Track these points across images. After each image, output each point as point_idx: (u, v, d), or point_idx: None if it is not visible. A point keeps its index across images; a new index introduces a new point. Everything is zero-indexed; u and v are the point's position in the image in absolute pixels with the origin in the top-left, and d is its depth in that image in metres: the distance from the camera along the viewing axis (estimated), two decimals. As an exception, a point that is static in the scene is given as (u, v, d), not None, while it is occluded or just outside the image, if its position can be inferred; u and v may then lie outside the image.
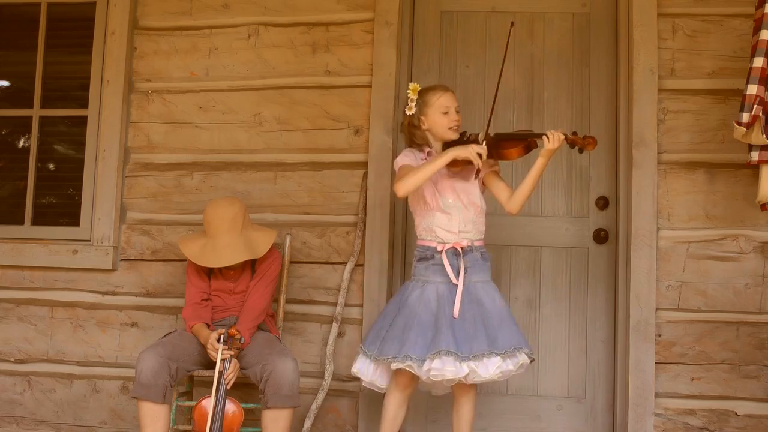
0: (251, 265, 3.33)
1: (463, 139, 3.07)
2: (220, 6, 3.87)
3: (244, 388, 3.31)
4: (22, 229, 3.98)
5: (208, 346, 3.07)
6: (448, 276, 2.99)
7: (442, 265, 3.00)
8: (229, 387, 3.00)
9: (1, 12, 4.19)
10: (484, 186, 3.13)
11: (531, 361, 2.97)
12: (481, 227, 3.10)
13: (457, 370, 2.82)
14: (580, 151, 2.91)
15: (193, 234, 3.53)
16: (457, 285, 2.97)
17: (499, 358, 2.85)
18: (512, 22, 3.10)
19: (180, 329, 3.36)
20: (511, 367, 2.88)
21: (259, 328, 3.30)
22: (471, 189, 3.07)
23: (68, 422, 3.80)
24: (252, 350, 3.14)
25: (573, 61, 3.74)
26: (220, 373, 2.98)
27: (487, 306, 2.97)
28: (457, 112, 3.11)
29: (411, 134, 3.16)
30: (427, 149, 3.13)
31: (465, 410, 3.03)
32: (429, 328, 2.92)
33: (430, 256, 3.04)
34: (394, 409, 3.05)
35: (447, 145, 3.07)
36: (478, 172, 2.98)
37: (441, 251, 3.01)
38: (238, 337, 3.04)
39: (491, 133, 3.01)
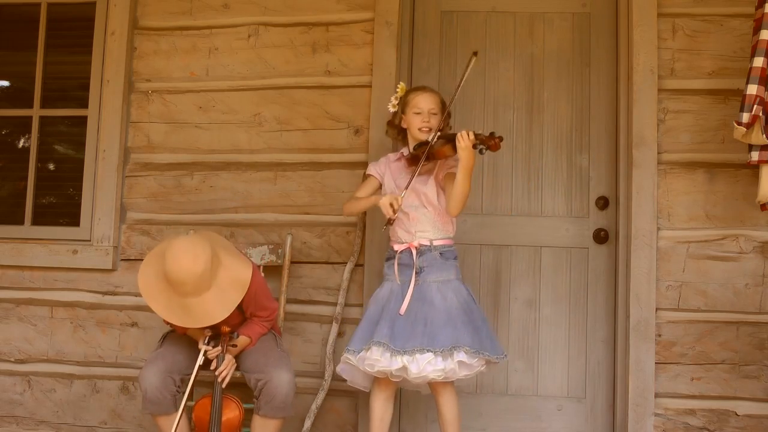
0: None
1: (429, 141, 3.07)
2: (220, 6, 3.86)
3: (244, 388, 3.31)
4: (22, 229, 3.98)
5: (199, 347, 3.03)
6: (405, 275, 3.03)
7: (398, 264, 3.06)
8: (224, 384, 2.98)
9: (1, 12, 4.19)
10: (445, 187, 3.12)
11: (497, 362, 2.96)
12: (442, 226, 3.10)
13: (389, 362, 2.87)
14: (481, 152, 2.91)
15: (152, 274, 2.94)
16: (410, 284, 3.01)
17: (431, 354, 2.85)
18: (475, 53, 3.15)
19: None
20: (450, 365, 2.86)
21: None
22: (428, 189, 3.09)
23: (68, 422, 3.80)
24: (251, 355, 3.11)
25: (573, 61, 3.74)
26: (214, 371, 2.98)
27: (437, 305, 2.97)
28: (434, 114, 3.12)
29: (386, 131, 3.30)
30: (402, 149, 3.22)
31: (444, 410, 3.04)
32: (373, 323, 3.00)
33: (392, 255, 3.12)
34: (379, 409, 3.08)
35: (417, 145, 3.11)
36: (389, 221, 3.02)
37: (397, 251, 3.08)
38: (230, 332, 3.00)
39: (434, 139, 3.05)
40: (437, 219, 3.09)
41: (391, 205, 2.97)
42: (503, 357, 2.99)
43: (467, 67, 3.11)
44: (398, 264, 3.06)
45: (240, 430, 3.05)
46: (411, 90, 3.22)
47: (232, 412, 3.02)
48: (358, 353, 2.97)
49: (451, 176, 3.05)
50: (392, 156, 3.27)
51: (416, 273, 3.03)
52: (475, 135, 2.92)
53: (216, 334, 3.01)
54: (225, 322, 3.03)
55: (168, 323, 3.08)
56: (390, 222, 3.03)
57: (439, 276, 3.03)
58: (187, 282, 2.83)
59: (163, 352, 3.10)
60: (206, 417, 2.98)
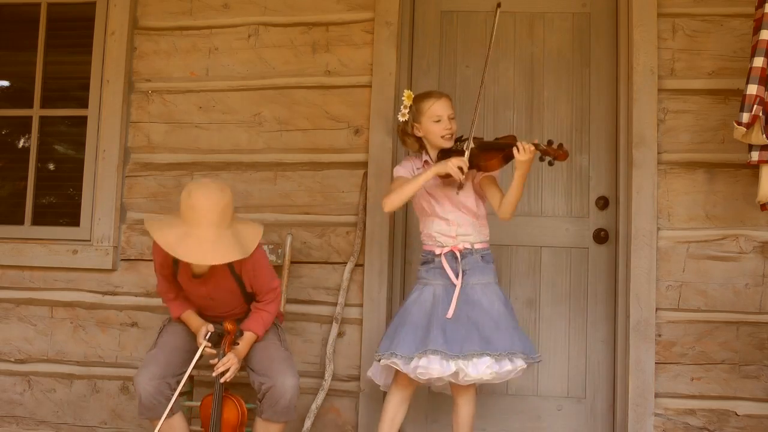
0: (229, 266, 3.02)
1: (456, 146, 3.07)
2: (220, 6, 3.87)
3: (247, 389, 3.30)
4: (22, 229, 3.98)
5: (199, 340, 3.00)
6: (447, 278, 3.01)
7: (442, 267, 3.03)
8: (222, 380, 2.93)
9: (1, 12, 4.19)
10: (483, 190, 3.11)
11: (536, 363, 2.99)
12: (481, 230, 3.10)
13: (443, 368, 2.85)
14: (550, 163, 2.86)
15: (165, 220, 2.99)
16: (455, 286, 2.99)
17: (490, 358, 2.86)
18: (499, 3, 3.08)
19: (172, 321, 3.22)
20: (507, 368, 2.88)
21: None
22: (465, 196, 3.07)
23: (68, 422, 3.81)
24: (256, 355, 3.08)
25: (573, 61, 3.74)
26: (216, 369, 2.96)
27: (485, 307, 2.97)
28: (452, 119, 3.09)
29: (402, 141, 3.21)
30: (424, 157, 3.15)
31: (463, 412, 3.04)
32: (420, 327, 2.95)
33: (430, 259, 3.09)
34: (393, 409, 3.06)
35: (442, 152, 3.09)
36: (460, 186, 3.00)
37: (440, 254, 3.05)
38: (234, 331, 2.98)
39: (473, 140, 3.01)
40: (477, 223, 3.08)
41: (460, 168, 2.91)
42: (540, 358, 3.02)
43: (494, 20, 3.05)
44: (443, 267, 3.03)
45: (242, 426, 3.03)
46: (423, 97, 3.13)
47: (231, 412, 3.00)
48: (411, 360, 2.90)
49: (489, 179, 3.07)
50: (416, 162, 3.17)
51: (456, 276, 3.00)
52: (535, 146, 2.87)
53: (217, 332, 3.00)
54: (229, 306, 3.06)
55: (166, 290, 3.12)
56: (461, 186, 3.00)
57: (480, 279, 3.02)
58: (213, 209, 2.81)
59: (157, 355, 3.05)
60: (207, 416, 2.98)
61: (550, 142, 2.87)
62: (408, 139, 3.17)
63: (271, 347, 3.12)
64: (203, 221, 2.81)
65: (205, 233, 2.82)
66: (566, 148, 2.86)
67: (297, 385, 3.01)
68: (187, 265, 2.98)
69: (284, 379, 2.98)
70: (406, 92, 3.15)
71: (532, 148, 2.86)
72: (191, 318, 3.14)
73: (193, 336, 3.12)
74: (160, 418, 2.95)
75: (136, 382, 2.97)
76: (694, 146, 3.51)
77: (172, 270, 3.10)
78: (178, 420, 3.03)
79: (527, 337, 3.03)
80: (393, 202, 3.01)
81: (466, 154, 2.96)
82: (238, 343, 3.02)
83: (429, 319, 2.96)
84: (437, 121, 3.08)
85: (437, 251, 3.06)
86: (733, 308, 3.43)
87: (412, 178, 3.02)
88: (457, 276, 3.00)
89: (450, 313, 2.94)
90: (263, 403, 3.01)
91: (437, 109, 3.08)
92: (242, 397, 3.06)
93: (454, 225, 3.06)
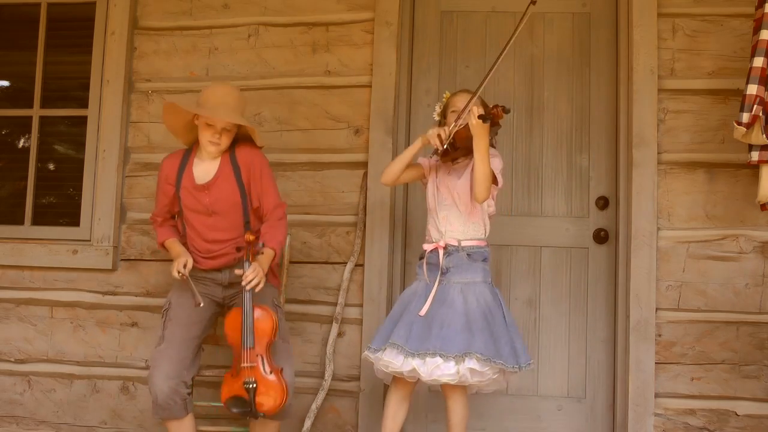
0: (234, 171, 3.13)
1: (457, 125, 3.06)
2: (220, 6, 3.86)
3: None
4: (22, 229, 3.98)
5: (174, 267, 3.02)
6: (432, 275, 3.03)
7: (428, 264, 3.05)
8: (257, 289, 2.93)
9: (1, 12, 4.19)
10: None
11: (512, 371, 2.90)
12: (472, 227, 3.06)
13: (402, 364, 2.87)
14: (492, 123, 2.87)
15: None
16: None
17: (441, 359, 2.83)
18: (533, 1, 3.06)
19: (174, 301, 3.14)
20: (462, 371, 2.82)
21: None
22: (461, 185, 3.06)
23: (68, 422, 3.80)
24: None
25: (573, 61, 3.74)
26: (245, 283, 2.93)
27: (456, 307, 2.94)
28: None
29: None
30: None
31: (452, 413, 3.02)
32: (394, 322, 3.00)
33: (422, 255, 3.11)
34: (392, 407, 3.06)
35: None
36: (443, 152, 2.98)
37: (426, 251, 3.08)
38: (254, 241, 2.98)
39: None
40: (468, 218, 3.05)
41: (439, 135, 2.95)
42: (523, 366, 2.91)
43: (525, 13, 3.06)
44: (427, 263, 3.05)
45: (274, 337, 2.98)
46: (451, 94, 3.20)
47: (265, 321, 2.97)
48: (377, 352, 2.96)
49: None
50: (434, 159, 3.19)
51: (442, 273, 3.00)
52: (484, 107, 2.91)
53: (239, 246, 3.01)
54: (229, 226, 3.10)
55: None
56: (438, 152, 3.00)
57: (463, 277, 3.00)
58: (231, 94, 3.10)
59: (168, 351, 3.03)
60: (237, 328, 2.94)
61: (495, 106, 2.89)
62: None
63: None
64: (217, 103, 3.05)
65: (217, 110, 3.04)
66: (506, 108, 2.86)
67: (292, 384, 3.01)
68: (191, 173, 3.12)
69: (285, 377, 2.98)
70: (446, 93, 3.23)
71: (478, 109, 2.87)
72: (174, 246, 3.15)
73: (198, 320, 3.09)
74: (174, 418, 2.97)
75: (152, 382, 2.96)
76: (694, 146, 3.51)
77: (175, 182, 3.15)
78: (189, 421, 3.04)
79: (512, 342, 2.92)
80: (389, 175, 3.15)
81: (452, 126, 2.98)
82: (262, 253, 3.02)
83: (402, 314, 3.00)
84: (453, 112, 3.10)
85: (427, 247, 3.08)
86: (733, 308, 3.43)
87: (403, 153, 3.14)
88: (441, 273, 3.00)
89: (423, 311, 2.95)
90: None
91: (455, 101, 3.12)
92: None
93: (444, 221, 3.07)
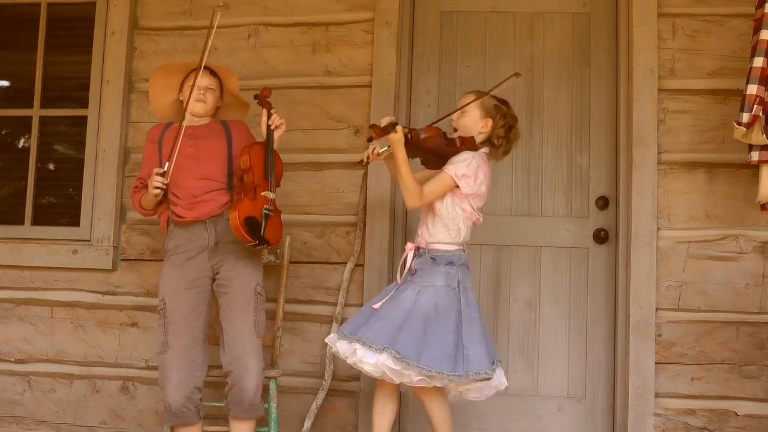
0: (224, 128, 3.26)
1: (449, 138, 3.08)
2: (220, 6, 3.86)
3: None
4: (22, 229, 3.98)
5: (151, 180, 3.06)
6: (403, 274, 3.05)
7: (402, 264, 3.09)
8: (278, 132, 3.18)
9: (1, 12, 4.19)
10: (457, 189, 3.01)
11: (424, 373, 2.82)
12: (442, 230, 3.02)
13: (342, 348, 2.92)
14: (369, 139, 2.97)
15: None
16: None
17: (360, 345, 2.85)
18: (517, 74, 3.06)
19: (168, 299, 3.08)
20: (380, 365, 2.81)
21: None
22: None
23: (68, 422, 3.80)
24: (230, 328, 3.05)
25: (573, 61, 3.74)
26: (268, 126, 3.15)
27: (402, 304, 2.94)
28: (462, 113, 3.08)
29: None
30: None
31: (430, 414, 3.00)
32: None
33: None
34: (379, 406, 3.06)
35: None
36: (360, 162, 3.10)
37: (406, 251, 3.10)
38: (267, 93, 3.21)
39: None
40: (437, 222, 3.02)
41: (373, 150, 3.04)
42: (471, 374, 2.79)
43: (504, 81, 3.06)
44: (402, 265, 3.07)
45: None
46: None
47: (278, 163, 3.19)
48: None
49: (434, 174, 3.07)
50: None
51: (411, 274, 3.02)
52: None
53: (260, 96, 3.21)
54: (212, 176, 3.15)
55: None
56: (361, 162, 3.11)
57: (424, 280, 2.98)
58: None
59: (175, 360, 3.01)
60: (261, 160, 3.10)
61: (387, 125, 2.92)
62: None
63: (245, 328, 3.07)
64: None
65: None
66: (382, 126, 2.89)
67: (260, 384, 3.03)
68: (176, 127, 3.14)
69: (248, 378, 3.00)
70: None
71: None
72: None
73: (196, 315, 3.08)
74: (186, 425, 3.00)
75: (164, 392, 2.99)
76: (694, 146, 3.51)
77: (158, 139, 3.21)
78: (199, 426, 3.06)
79: (464, 349, 2.83)
80: (410, 198, 3.06)
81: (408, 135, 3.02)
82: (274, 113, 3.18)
83: (364, 308, 3.06)
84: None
85: (406, 248, 3.09)
86: (733, 308, 3.43)
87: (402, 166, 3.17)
88: (411, 274, 3.01)
89: (377, 305, 2.98)
90: (229, 401, 3.04)
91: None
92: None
93: (420, 224, 3.09)
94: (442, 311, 2.90)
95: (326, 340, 3.07)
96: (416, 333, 2.85)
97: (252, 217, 3.00)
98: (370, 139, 2.99)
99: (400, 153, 2.93)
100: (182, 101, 3.24)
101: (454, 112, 3.06)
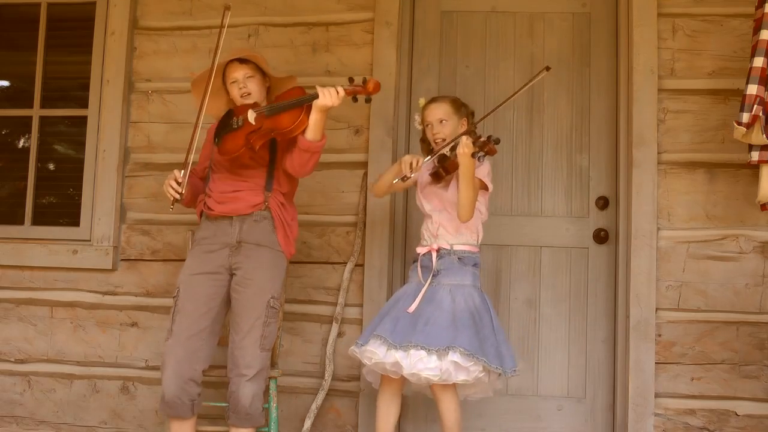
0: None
1: (442, 152, 3.06)
2: (220, 6, 3.85)
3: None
4: (22, 229, 3.97)
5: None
6: (425, 275, 3.05)
7: (421, 266, 3.08)
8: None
9: (1, 12, 4.19)
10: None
11: (496, 371, 2.89)
12: (465, 231, 3.06)
13: (385, 356, 2.89)
14: (480, 159, 2.91)
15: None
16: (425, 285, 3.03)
17: (425, 352, 2.84)
18: (548, 67, 3.10)
19: (182, 288, 3.05)
20: (445, 366, 2.82)
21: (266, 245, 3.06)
22: (450, 197, 3.07)
23: (68, 422, 3.80)
24: (237, 317, 3.01)
25: (573, 61, 3.74)
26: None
27: (444, 306, 2.95)
28: (444, 121, 3.10)
29: (422, 148, 3.28)
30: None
31: (443, 415, 3.00)
32: (382, 318, 3.03)
33: (415, 258, 3.15)
34: (383, 407, 3.07)
35: (430, 156, 3.10)
36: (403, 178, 3.03)
37: (420, 254, 3.10)
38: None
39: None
40: (460, 224, 3.05)
41: (411, 164, 2.98)
42: (508, 371, 2.90)
43: (535, 77, 3.11)
44: (421, 266, 3.07)
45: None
46: (426, 103, 3.20)
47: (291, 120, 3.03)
48: (362, 346, 2.98)
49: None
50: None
51: (433, 276, 3.02)
52: (473, 141, 2.89)
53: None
54: (256, 189, 3.09)
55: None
56: (404, 179, 3.02)
57: (453, 280, 3.02)
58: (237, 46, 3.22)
59: (175, 348, 2.97)
60: (285, 96, 3.05)
61: (488, 137, 2.92)
62: (422, 145, 3.26)
63: (250, 341, 2.99)
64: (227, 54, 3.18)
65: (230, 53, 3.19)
66: (498, 139, 2.92)
67: (258, 395, 2.97)
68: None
69: (246, 385, 2.95)
70: (420, 100, 3.23)
71: (470, 142, 2.89)
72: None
73: (207, 309, 3.02)
74: (180, 417, 2.97)
75: (162, 377, 2.97)
76: (694, 146, 3.51)
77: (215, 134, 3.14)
78: (191, 423, 3.03)
79: (497, 347, 2.92)
80: (378, 188, 3.26)
81: (429, 158, 3.05)
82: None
83: (389, 311, 3.03)
84: (428, 126, 3.15)
85: (420, 251, 3.11)
86: (733, 308, 3.43)
87: (387, 170, 3.25)
88: (433, 275, 3.02)
89: (411, 308, 2.97)
90: (230, 406, 3.00)
91: (427, 114, 3.16)
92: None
93: (436, 224, 3.09)
94: (481, 310, 2.99)
95: (368, 350, 2.93)
96: (472, 329, 2.91)
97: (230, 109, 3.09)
98: (478, 158, 2.90)
99: (472, 171, 2.92)
100: (233, 99, 3.18)
101: (449, 142, 3.05)
